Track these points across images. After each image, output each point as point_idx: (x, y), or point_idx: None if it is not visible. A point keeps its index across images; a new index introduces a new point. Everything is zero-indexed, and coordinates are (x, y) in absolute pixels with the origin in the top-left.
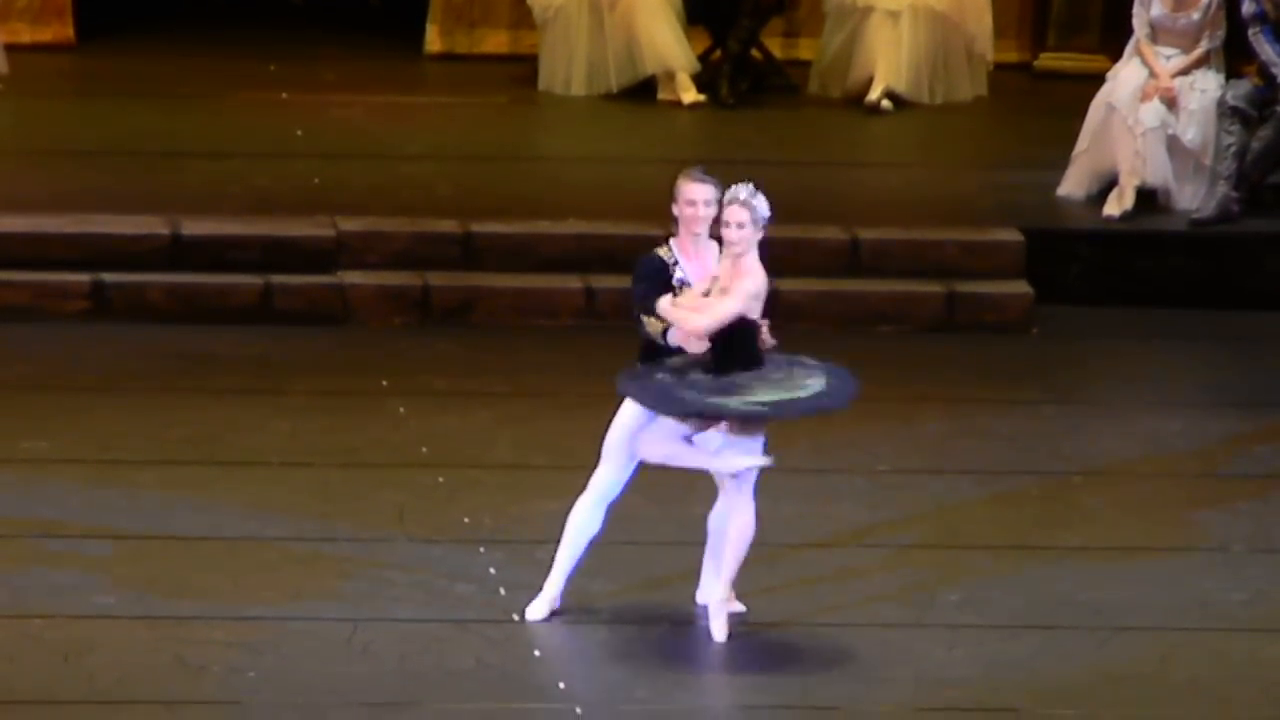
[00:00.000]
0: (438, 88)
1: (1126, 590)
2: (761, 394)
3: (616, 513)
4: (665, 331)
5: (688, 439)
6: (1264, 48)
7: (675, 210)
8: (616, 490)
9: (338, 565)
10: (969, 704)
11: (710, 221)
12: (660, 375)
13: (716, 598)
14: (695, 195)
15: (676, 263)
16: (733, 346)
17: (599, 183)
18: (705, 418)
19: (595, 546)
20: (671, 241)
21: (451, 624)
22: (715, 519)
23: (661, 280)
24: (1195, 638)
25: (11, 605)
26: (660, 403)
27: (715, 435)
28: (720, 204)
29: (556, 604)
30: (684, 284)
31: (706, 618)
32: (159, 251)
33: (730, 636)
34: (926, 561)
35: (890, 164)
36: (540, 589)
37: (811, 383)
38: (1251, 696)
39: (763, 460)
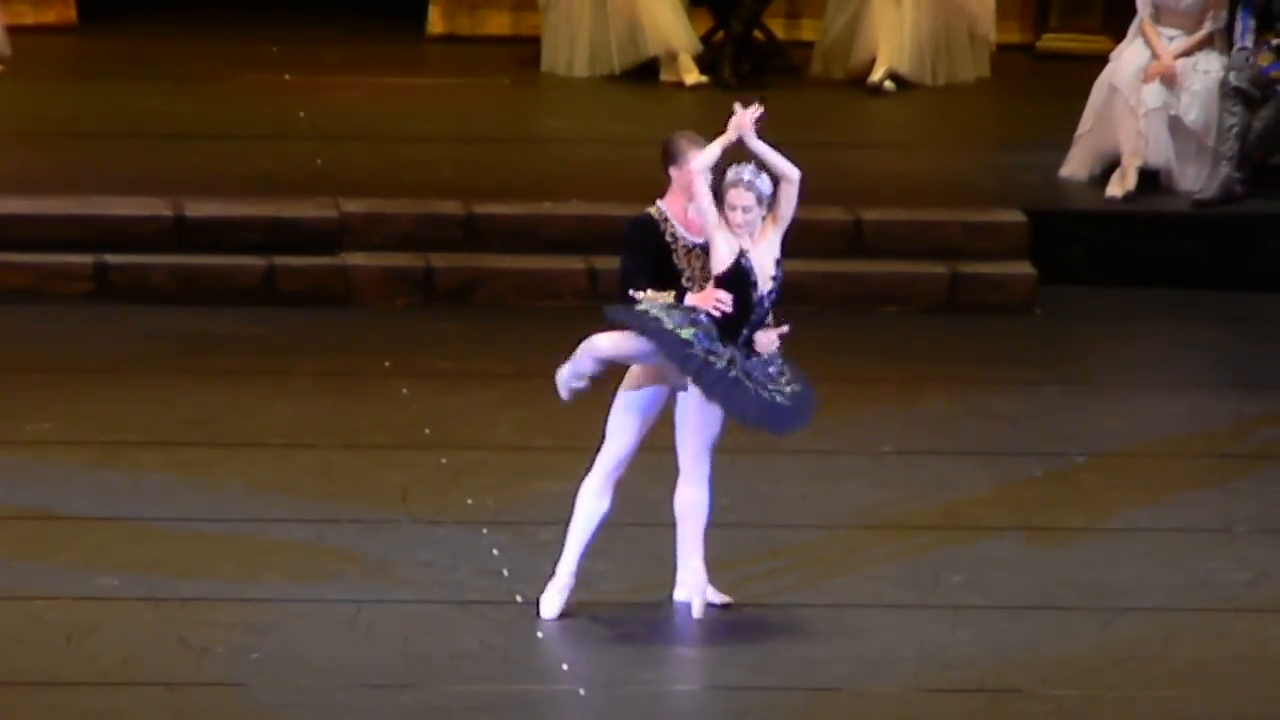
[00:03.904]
0: (440, 69)
1: (1130, 571)
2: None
3: (620, 493)
4: (679, 295)
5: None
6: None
7: (672, 171)
8: (623, 468)
9: (341, 547)
10: (972, 685)
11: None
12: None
13: (692, 576)
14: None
15: (667, 219)
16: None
17: (601, 164)
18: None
19: (599, 528)
20: (660, 201)
21: (455, 605)
22: (679, 503)
23: (652, 243)
24: (1198, 618)
25: (15, 587)
26: (660, 343)
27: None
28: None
29: (569, 590)
30: (677, 240)
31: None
32: (162, 233)
33: (731, 610)
34: (929, 542)
35: (893, 145)
36: (543, 571)
37: (784, 388)
38: (1254, 677)
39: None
